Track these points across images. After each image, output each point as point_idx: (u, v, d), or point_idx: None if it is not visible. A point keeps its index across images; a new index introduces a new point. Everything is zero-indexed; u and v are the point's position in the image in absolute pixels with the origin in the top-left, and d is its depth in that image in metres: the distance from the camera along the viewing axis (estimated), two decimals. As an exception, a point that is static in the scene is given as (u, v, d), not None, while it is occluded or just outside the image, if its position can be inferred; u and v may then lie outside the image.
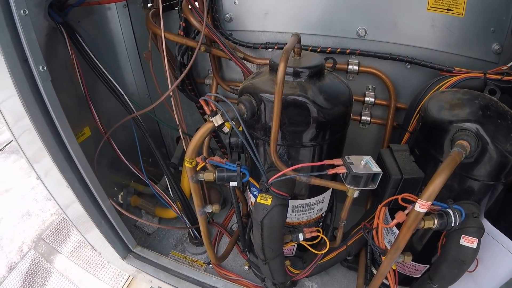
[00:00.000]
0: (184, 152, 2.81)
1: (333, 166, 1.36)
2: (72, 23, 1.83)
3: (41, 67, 1.51)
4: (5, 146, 5.08)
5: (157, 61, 2.20)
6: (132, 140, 2.26)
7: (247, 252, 2.19)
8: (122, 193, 2.58)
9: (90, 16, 2.17)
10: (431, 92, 1.76)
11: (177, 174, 2.56)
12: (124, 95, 2.02)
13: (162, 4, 1.88)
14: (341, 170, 1.32)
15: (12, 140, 5.06)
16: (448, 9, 1.81)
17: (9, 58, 1.41)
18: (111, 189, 2.48)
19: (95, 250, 2.36)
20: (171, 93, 1.97)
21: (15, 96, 1.49)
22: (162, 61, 2.05)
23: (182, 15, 2.05)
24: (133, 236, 2.33)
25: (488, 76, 1.71)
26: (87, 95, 1.99)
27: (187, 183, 2.54)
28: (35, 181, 4.19)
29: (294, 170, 1.41)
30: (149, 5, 2.41)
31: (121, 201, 2.56)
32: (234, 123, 1.34)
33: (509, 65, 1.73)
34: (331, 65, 1.88)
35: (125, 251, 2.31)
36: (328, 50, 2.03)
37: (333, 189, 1.79)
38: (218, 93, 2.43)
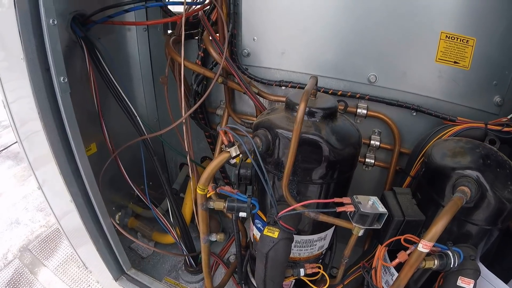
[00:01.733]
0: (186, 179, 2.90)
1: (342, 204, 1.47)
2: (92, 39, 1.92)
3: (62, 78, 1.58)
4: (1, 150, 5.11)
5: (171, 87, 2.30)
6: (135, 161, 2.34)
7: (243, 285, 2.22)
8: (119, 214, 2.63)
9: (110, 34, 2.28)
10: (434, 140, 1.89)
11: (177, 200, 2.59)
12: (137, 116, 2.10)
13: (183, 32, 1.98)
14: (350, 208, 1.43)
15: (9, 146, 5.13)
16: (455, 62, 1.97)
17: (31, 65, 1.48)
18: (109, 209, 2.43)
19: (86, 267, 2.38)
20: (183, 120, 2.07)
21: (30, 102, 1.54)
22: (177, 88, 2.14)
23: (202, 45, 2.19)
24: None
25: (489, 126, 1.86)
26: (100, 111, 2.06)
27: (189, 210, 2.62)
28: (28, 190, 4.23)
29: (303, 205, 1.51)
30: (169, 31, 2.56)
31: (118, 222, 2.60)
32: (249, 155, 1.43)
33: (509, 117, 1.89)
34: (343, 107, 2.03)
35: (118, 272, 2.34)
36: (339, 93, 2.16)
37: (335, 228, 1.90)
38: (229, 124, 2.49)
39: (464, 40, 1.93)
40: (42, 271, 3.21)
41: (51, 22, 1.48)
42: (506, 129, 1.84)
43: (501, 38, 1.89)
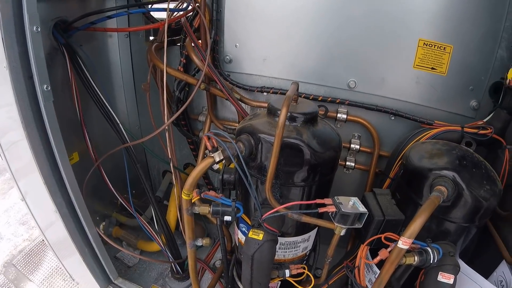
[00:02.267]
0: (170, 186, 2.92)
1: (323, 205, 1.53)
2: (74, 46, 1.93)
3: (45, 86, 1.58)
4: (-19, 165, 4.99)
5: (153, 93, 2.34)
6: (118, 169, 2.35)
7: (230, 289, 2.26)
8: (104, 223, 2.63)
9: (91, 41, 2.30)
10: (412, 142, 1.98)
11: (161, 208, 2.59)
12: (119, 124, 2.11)
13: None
14: (331, 209, 1.49)
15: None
16: (432, 68, 2.07)
17: (14, 73, 1.47)
18: (93, 219, 2.41)
19: (73, 279, 2.36)
20: (166, 127, 2.09)
21: (12, 111, 1.53)
22: (159, 95, 2.17)
23: (184, 52, 2.23)
24: (113, 268, 2.34)
25: (465, 129, 1.96)
26: (82, 119, 2.07)
27: (173, 217, 2.63)
28: (9, 203, 4.14)
29: (286, 207, 1.56)
30: (151, 38, 2.59)
31: (103, 231, 2.57)
32: (233, 160, 1.47)
33: (485, 120, 1.98)
34: (323, 112, 2.09)
35: (105, 282, 2.34)
36: (320, 98, 2.23)
37: (318, 230, 1.96)
38: (211, 130, 2.52)
39: (441, 47, 2.02)
40: (28, 286, 3.15)
41: (34, 29, 1.49)
42: (482, 131, 1.94)
43: (477, 45, 2.00)
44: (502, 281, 1.77)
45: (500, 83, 2.00)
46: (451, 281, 1.50)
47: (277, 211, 1.55)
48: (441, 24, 2.02)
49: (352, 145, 2.38)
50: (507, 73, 1.83)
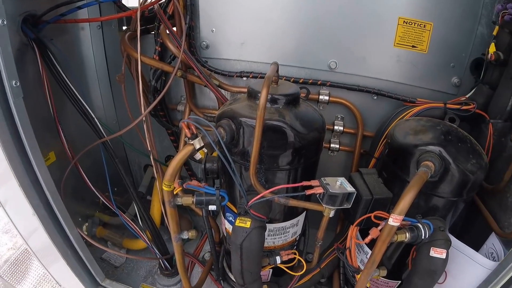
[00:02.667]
0: (152, 180, 2.86)
1: (310, 187, 1.50)
2: (44, 40, 1.85)
3: (14, 82, 1.50)
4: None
5: (128, 85, 2.27)
6: (95, 166, 2.29)
7: (221, 281, 2.24)
8: (86, 224, 2.56)
9: (63, 34, 2.22)
10: (396, 121, 1.98)
11: (144, 203, 2.53)
12: (95, 118, 2.05)
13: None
14: (319, 190, 1.47)
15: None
16: (413, 46, 2.06)
17: None
18: (75, 220, 2.32)
19: (60, 285, 2.29)
20: (143, 118, 2.04)
21: None
22: (135, 85, 2.10)
23: (159, 39, 2.17)
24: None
25: (448, 106, 1.96)
26: (56, 117, 2.00)
27: (157, 212, 2.58)
28: None
29: (272, 192, 1.53)
30: (124, 27, 2.53)
31: (86, 233, 2.52)
32: (214, 146, 1.42)
33: (467, 96, 1.99)
34: (305, 94, 2.06)
35: (93, 285, 2.28)
36: (301, 80, 2.21)
37: (306, 214, 1.94)
38: (189, 117, 2.49)
39: (421, 25, 2.02)
40: (17, 296, 3.09)
41: (0, 22, 1.42)
42: (464, 107, 1.94)
43: (457, 22, 2.00)
44: (492, 253, 1.79)
45: (481, 59, 2.01)
46: (443, 256, 1.49)
47: (263, 197, 1.53)
48: (421, 1, 2.01)
49: (335, 127, 2.37)
50: (488, 48, 1.82)
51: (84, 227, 2.56)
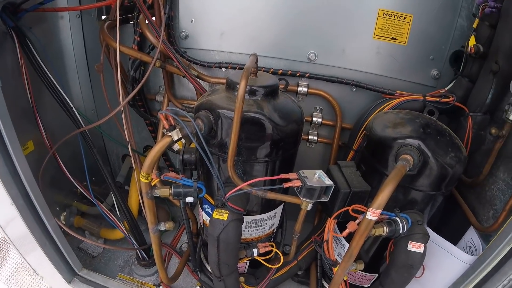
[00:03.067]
0: (130, 171, 2.82)
1: (288, 180, 1.48)
2: (23, 29, 1.82)
3: None
4: None
5: (107, 75, 2.22)
6: (74, 156, 2.25)
7: (198, 272, 2.22)
8: (64, 214, 2.51)
9: (41, 23, 2.18)
10: (375, 113, 1.97)
11: (122, 193, 2.47)
12: (73, 108, 2.02)
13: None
14: (297, 183, 1.46)
15: None
16: (393, 38, 2.05)
17: None
18: (53, 209, 2.30)
19: (37, 274, 2.24)
20: (122, 108, 2.01)
21: None
22: (114, 75, 2.07)
23: (138, 29, 2.13)
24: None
25: (427, 98, 1.96)
26: (34, 106, 1.96)
27: (135, 202, 2.55)
28: None
29: (250, 184, 1.51)
30: (103, 17, 2.47)
31: (64, 222, 2.47)
32: (192, 137, 1.40)
33: (446, 88, 2.00)
34: (284, 86, 2.04)
35: (70, 275, 2.24)
36: (280, 72, 2.18)
37: (284, 206, 1.93)
38: (167, 108, 2.46)
39: (401, 17, 2.01)
40: (-6, 285, 3.02)
41: None
42: (444, 100, 1.95)
43: (437, 15, 1.99)
44: (471, 247, 1.80)
45: (461, 52, 2.02)
46: (421, 250, 1.49)
47: (241, 189, 1.51)
48: None
49: (314, 119, 2.36)
50: (468, 41, 1.83)
51: (62, 217, 2.51)
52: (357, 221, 1.44)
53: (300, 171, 1.50)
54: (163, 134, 1.42)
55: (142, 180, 1.47)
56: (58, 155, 2.14)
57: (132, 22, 2.22)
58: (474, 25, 1.83)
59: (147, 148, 2.90)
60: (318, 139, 2.40)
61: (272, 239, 2.05)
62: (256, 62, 1.55)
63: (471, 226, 1.84)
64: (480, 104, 1.82)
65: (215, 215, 1.54)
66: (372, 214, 1.34)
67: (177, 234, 2.67)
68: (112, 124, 2.28)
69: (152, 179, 1.49)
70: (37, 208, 1.89)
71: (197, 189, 1.56)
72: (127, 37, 2.34)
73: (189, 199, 1.58)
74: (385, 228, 1.48)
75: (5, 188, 1.70)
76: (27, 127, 2.02)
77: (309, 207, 1.54)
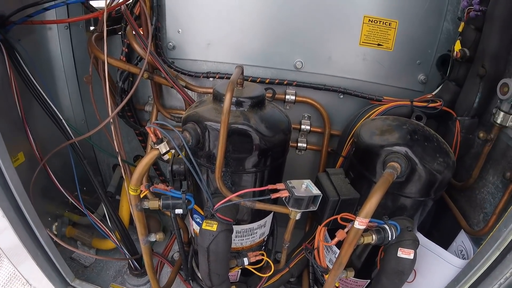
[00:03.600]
0: (121, 180, 2.80)
1: (276, 190, 1.48)
2: (12, 41, 1.81)
3: None
4: None
5: (96, 86, 2.21)
6: (65, 167, 2.24)
7: (190, 281, 2.21)
8: (56, 224, 2.50)
9: (30, 35, 2.17)
10: (362, 120, 1.97)
11: (114, 203, 2.45)
12: (63, 120, 2.01)
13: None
14: (284, 194, 1.45)
15: None
16: (379, 44, 2.05)
17: None
18: (44, 220, 2.36)
19: (30, 284, 2.23)
20: (111, 119, 1.99)
21: None
22: (102, 86, 2.02)
23: (125, 40, 2.12)
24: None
25: (415, 103, 1.96)
26: (24, 118, 1.95)
27: (126, 212, 2.53)
28: None
29: (239, 195, 1.50)
30: (91, 28, 2.46)
31: (56, 232, 2.47)
32: (179, 150, 1.40)
33: (433, 93, 2.00)
34: (271, 95, 2.04)
35: (63, 285, 2.23)
36: (267, 81, 2.18)
37: (274, 214, 1.92)
38: (158, 120, 2.47)
39: (386, 23, 2.01)
40: (-14, 295, 2.99)
41: None
42: (431, 105, 1.95)
43: (422, 19, 2.00)
44: (462, 250, 1.81)
45: (447, 56, 2.02)
46: (411, 256, 1.49)
47: (229, 200, 1.50)
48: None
49: (302, 126, 2.36)
50: (454, 45, 1.83)
51: (54, 227, 2.50)
52: (346, 230, 1.43)
53: (288, 181, 1.49)
54: (151, 147, 1.42)
55: (131, 193, 1.47)
56: (49, 165, 2.13)
57: (120, 33, 2.20)
58: (460, 29, 1.83)
59: (138, 157, 2.89)
60: (307, 146, 2.41)
61: (263, 247, 2.05)
62: (242, 73, 1.53)
63: (462, 230, 1.84)
64: (467, 108, 1.82)
65: (204, 226, 1.54)
66: (360, 223, 1.33)
67: (168, 243, 2.66)
68: (102, 134, 2.26)
69: (141, 191, 1.49)
70: (28, 220, 1.88)
71: (186, 201, 1.55)
72: (115, 48, 2.34)
73: (178, 211, 1.57)
74: (374, 236, 1.48)
75: (-4, 201, 1.68)
76: (18, 139, 2.01)
77: (298, 216, 1.53)
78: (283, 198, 1.48)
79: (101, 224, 2.30)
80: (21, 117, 1.96)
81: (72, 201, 2.28)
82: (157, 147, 1.38)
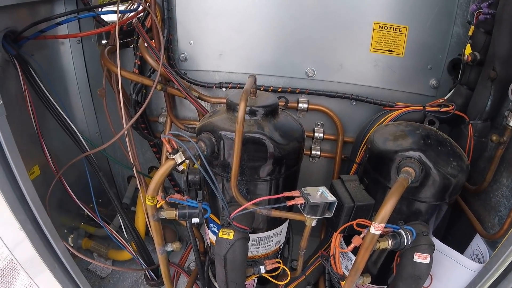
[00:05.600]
0: (136, 192, 2.82)
1: (292, 198, 1.48)
2: (25, 56, 1.82)
3: None
4: None
5: (110, 99, 2.25)
6: (81, 179, 2.25)
7: (207, 290, 2.21)
8: (72, 236, 2.52)
9: (43, 50, 2.19)
10: (375, 126, 1.97)
11: (129, 215, 2.46)
12: (78, 133, 2.02)
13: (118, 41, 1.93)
14: (300, 201, 1.46)
15: None
16: (389, 50, 2.06)
17: None
18: (61, 232, 2.40)
19: None
20: (125, 131, 2.01)
21: None
22: (116, 99, 2.07)
23: (138, 53, 2.15)
24: (86, 281, 2.25)
25: (427, 108, 1.96)
26: (39, 132, 1.97)
27: (142, 223, 2.55)
28: None
29: (254, 203, 1.51)
30: (103, 41, 2.49)
31: (72, 244, 2.49)
32: (194, 160, 1.40)
33: (445, 97, 2.00)
34: (284, 103, 2.05)
35: (79, 297, 2.22)
36: (279, 89, 2.20)
37: (289, 222, 1.92)
38: (172, 131, 2.46)
39: (396, 29, 2.02)
40: (4, 306, 3.01)
41: None
42: (444, 109, 1.94)
43: (432, 24, 2.00)
44: (478, 254, 1.79)
45: (458, 60, 2.02)
46: (427, 261, 1.49)
47: (245, 209, 1.51)
48: (395, 5, 2.02)
49: (316, 134, 2.37)
50: (465, 49, 1.83)
51: (70, 239, 2.52)
52: (362, 235, 1.44)
53: (303, 188, 1.50)
54: (167, 158, 1.43)
55: (148, 203, 1.48)
56: (64, 178, 2.14)
57: (132, 46, 2.24)
58: (470, 33, 1.83)
59: (152, 169, 2.92)
60: (321, 154, 2.42)
61: (279, 255, 2.05)
62: (255, 82, 1.56)
63: (477, 234, 1.83)
64: (480, 111, 1.81)
65: (221, 234, 1.54)
66: (376, 228, 1.34)
67: (184, 253, 2.64)
68: (117, 146, 2.30)
69: (157, 201, 1.50)
70: (45, 232, 1.88)
71: (202, 210, 1.56)
72: (127, 61, 2.37)
73: (195, 220, 1.58)
74: (389, 241, 1.48)
75: (14, 213, 1.69)
76: (33, 152, 2.03)
77: (314, 223, 1.54)
78: (299, 205, 1.49)
79: (117, 235, 2.31)
80: (36, 131, 1.97)
81: (88, 213, 2.29)
82: (173, 157, 1.39)
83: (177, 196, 1.57)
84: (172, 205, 1.61)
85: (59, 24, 1.99)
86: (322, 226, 2.52)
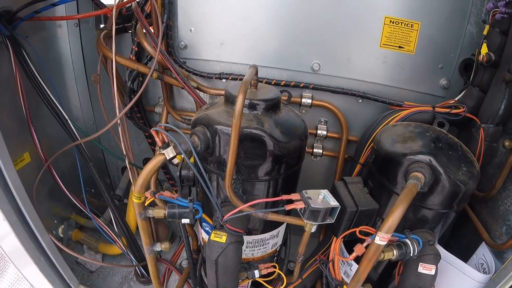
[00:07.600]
0: (130, 183, 2.70)
1: (291, 201, 1.35)
2: (19, 38, 1.74)
3: None
4: None
5: (105, 85, 2.14)
6: (74, 168, 2.15)
7: (198, 290, 2.11)
8: (62, 227, 2.41)
9: (39, 32, 2.10)
10: (382, 126, 1.86)
11: (122, 207, 2.40)
12: (68, 120, 1.93)
13: (115, 26, 1.79)
14: (300, 205, 1.32)
15: None
16: (400, 47, 1.95)
17: None
18: (50, 222, 2.31)
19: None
20: (118, 121, 1.89)
21: None
22: (111, 86, 1.93)
23: (136, 39, 2.03)
24: (74, 274, 2.15)
25: (437, 109, 1.85)
26: (29, 117, 1.87)
27: (133, 217, 2.43)
28: None
29: (250, 205, 1.38)
30: (101, 26, 2.38)
31: (62, 235, 2.38)
32: (185, 156, 1.29)
33: (456, 98, 1.88)
34: (286, 98, 1.91)
35: (67, 291, 2.15)
36: (283, 83, 2.09)
37: (287, 223, 1.80)
38: (168, 123, 2.37)
39: (408, 25, 1.91)
40: (-7, 296, 2.92)
41: None
42: (454, 111, 1.83)
43: (445, 22, 1.90)
44: (483, 264, 1.69)
45: (471, 60, 1.91)
46: (432, 272, 1.38)
47: (240, 211, 1.38)
48: (408, 0, 1.90)
49: (318, 131, 2.25)
50: (480, 49, 1.71)
51: (60, 229, 2.41)
52: (365, 244, 1.32)
53: (303, 191, 1.37)
54: (153, 150, 1.30)
55: (135, 200, 1.38)
56: (55, 167, 2.05)
57: (131, 31, 2.12)
58: (485, 32, 1.72)
59: (147, 160, 2.77)
60: (323, 152, 2.30)
61: (276, 257, 1.94)
62: (256, 74, 1.43)
63: (483, 242, 1.73)
64: (492, 115, 1.69)
65: (213, 237, 1.42)
66: (382, 239, 1.22)
67: (177, 250, 2.56)
68: (111, 136, 2.20)
69: (146, 197, 1.39)
70: (29, 223, 1.79)
71: (193, 210, 1.44)
72: (125, 47, 2.26)
73: (185, 221, 1.47)
74: (395, 251, 1.36)
75: (-3, 203, 1.63)
76: (24, 138, 1.93)
77: (313, 229, 1.40)
78: (298, 210, 1.36)
79: (107, 228, 2.21)
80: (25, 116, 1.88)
81: (77, 203, 2.18)
82: (163, 151, 1.28)
83: (166, 194, 1.46)
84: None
85: (55, 4, 1.90)
86: (321, 227, 2.38)
